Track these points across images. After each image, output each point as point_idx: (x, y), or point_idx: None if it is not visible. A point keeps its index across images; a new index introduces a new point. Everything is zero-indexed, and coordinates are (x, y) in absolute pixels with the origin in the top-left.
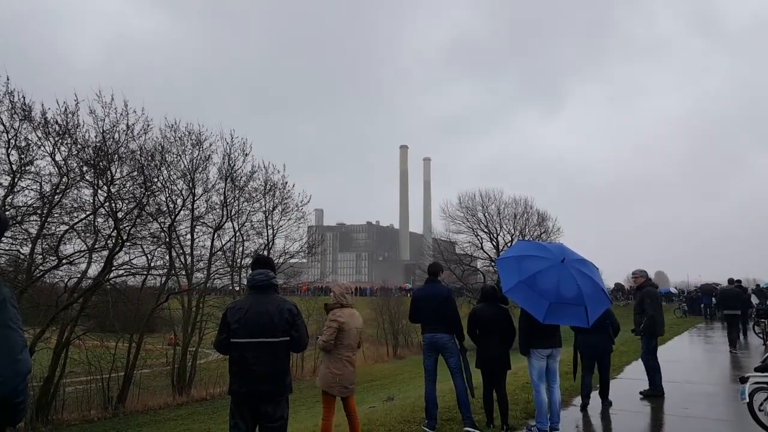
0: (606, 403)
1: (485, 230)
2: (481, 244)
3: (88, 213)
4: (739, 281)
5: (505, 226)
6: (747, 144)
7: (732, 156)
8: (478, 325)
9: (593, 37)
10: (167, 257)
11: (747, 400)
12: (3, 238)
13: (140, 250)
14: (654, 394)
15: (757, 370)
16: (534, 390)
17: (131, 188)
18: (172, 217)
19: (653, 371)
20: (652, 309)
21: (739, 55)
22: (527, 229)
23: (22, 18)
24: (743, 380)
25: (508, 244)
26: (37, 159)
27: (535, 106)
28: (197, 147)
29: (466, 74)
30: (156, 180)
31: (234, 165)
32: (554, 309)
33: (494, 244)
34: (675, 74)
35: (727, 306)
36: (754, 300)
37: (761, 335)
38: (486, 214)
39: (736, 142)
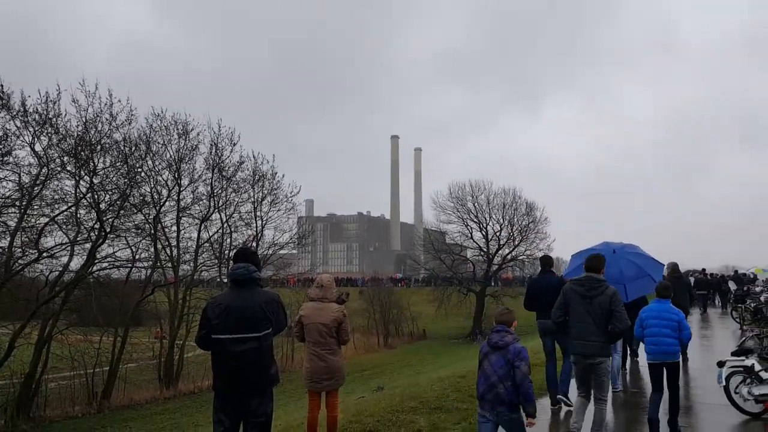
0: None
1: (475, 220)
2: (471, 233)
3: (69, 204)
4: (703, 269)
5: (494, 216)
6: (716, 144)
7: (702, 155)
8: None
9: (567, 47)
10: (152, 249)
11: (724, 383)
12: None
13: (124, 242)
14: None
15: (733, 354)
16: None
17: (115, 179)
18: (158, 208)
19: None
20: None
21: (701, 64)
22: (516, 219)
23: (24, 22)
24: (720, 364)
25: (497, 234)
26: (15, 149)
27: (517, 110)
28: (183, 137)
29: (452, 81)
30: (140, 170)
31: (221, 155)
32: None
33: (483, 233)
34: (643, 80)
35: (699, 289)
36: (732, 286)
37: (738, 320)
38: (475, 204)
39: (705, 142)
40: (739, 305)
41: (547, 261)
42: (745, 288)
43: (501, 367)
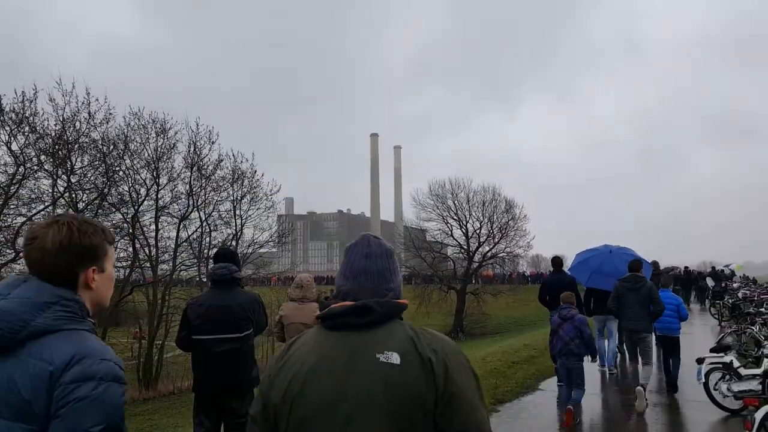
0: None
1: (455, 218)
2: (451, 231)
3: (47, 204)
4: (686, 267)
5: (474, 214)
6: (687, 140)
7: (676, 151)
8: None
9: (539, 49)
10: (130, 249)
11: (703, 380)
12: None
13: None
14: None
15: (712, 351)
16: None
17: (92, 178)
18: (136, 207)
19: None
20: None
21: (665, 66)
22: (495, 217)
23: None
24: (699, 361)
25: (477, 232)
26: None
27: (493, 109)
28: (162, 135)
29: (431, 80)
30: (118, 169)
31: (200, 153)
32: (594, 277)
33: (463, 231)
34: (612, 80)
35: (675, 285)
36: (710, 282)
37: (716, 316)
38: (455, 201)
39: (677, 139)
40: (718, 302)
41: (557, 261)
42: (723, 284)
43: (571, 331)
